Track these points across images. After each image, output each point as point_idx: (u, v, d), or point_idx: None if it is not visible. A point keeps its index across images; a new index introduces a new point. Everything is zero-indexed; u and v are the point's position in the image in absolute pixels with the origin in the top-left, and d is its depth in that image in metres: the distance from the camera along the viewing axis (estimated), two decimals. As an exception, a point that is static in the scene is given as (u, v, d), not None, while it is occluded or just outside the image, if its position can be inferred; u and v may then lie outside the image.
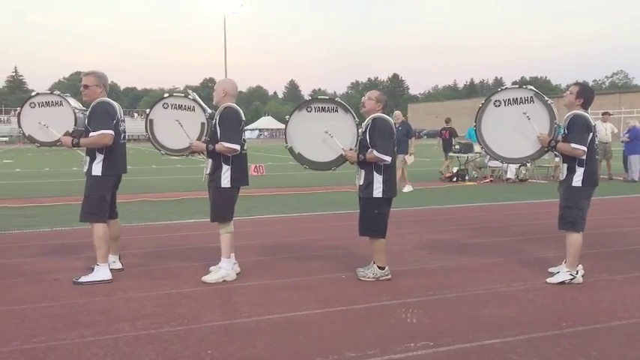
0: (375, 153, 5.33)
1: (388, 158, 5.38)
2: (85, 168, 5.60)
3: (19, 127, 5.97)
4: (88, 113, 5.59)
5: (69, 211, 9.54)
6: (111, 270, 5.64)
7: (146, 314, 4.58)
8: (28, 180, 17.39)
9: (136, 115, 77.78)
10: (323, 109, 5.64)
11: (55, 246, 7.23)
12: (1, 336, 4.10)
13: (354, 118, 5.59)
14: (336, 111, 5.63)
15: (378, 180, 5.46)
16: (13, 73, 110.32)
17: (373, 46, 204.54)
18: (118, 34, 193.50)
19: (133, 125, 61.29)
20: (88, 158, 5.59)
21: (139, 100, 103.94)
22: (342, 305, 4.84)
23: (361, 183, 5.55)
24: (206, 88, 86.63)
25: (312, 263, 6.31)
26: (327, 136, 5.53)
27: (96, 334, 4.14)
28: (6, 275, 5.81)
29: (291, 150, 5.72)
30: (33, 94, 6.03)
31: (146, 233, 8.18)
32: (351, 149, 5.52)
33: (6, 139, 56.33)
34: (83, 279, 5.49)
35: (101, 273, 5.53)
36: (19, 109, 5.98)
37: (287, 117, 5.73)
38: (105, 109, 5.51)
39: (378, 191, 5.46)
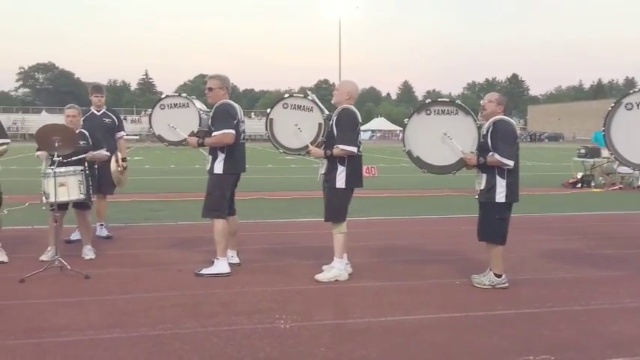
0: (497, 157, 5.14)
1: (511, 162, 5.16)
2: (208, 166, 5.90)
3: (150, 127, 6.38)
4: (211, 114, 5.89)
5: (191, 206, 10.06)
6: (229, 264, 5.90)
7: (262, 309, 4.74)
8: (156, 176, 18.59)
9: (253, 115, 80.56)
10: (443, 112, 5.50)
11: (179, 239, 7.67)
12: (131, 321, 4.42)
13: (475, 121, 5.41)
14: (457, 113, 5.46)
15: (501, 184, 5.25)
16: (144, 76, 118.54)
17: (491, 44, 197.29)
18: (237, 37, 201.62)
19: (251, 125, 63.56)
20: (210, 157, 5.88)
21: (257, 101, 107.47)
22: (455, 312, 4.73)
23: (482, 187, 5.36)
24: (320, 89, 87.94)
25: (424, 267, 6.21)
26: (447, 139, 5.40)
27: (216, 324, 4.34)
28: (135, 264, 6.25)
29: (409, 153, 5.64)
30: (163, 96, 6.43)
31: (261, 230, 8.46)
32: (471, 152, 5.35)
33: (137, 137, 60.51)
34: (204, 271, 5.79)
35: (220, 266, 5.80)
36: (150, 110, 6.40)
37: (405, 120, 5.66)
38: (227, 110, 5.78)
39: (500, 195, 5.26)
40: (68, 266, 5.65)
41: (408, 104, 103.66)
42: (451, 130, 5.42)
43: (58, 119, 7.57)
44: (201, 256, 6.42)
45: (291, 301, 4.97)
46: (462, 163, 5.44)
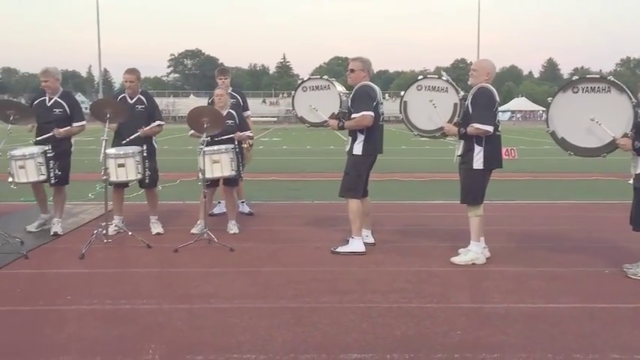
0: None
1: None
2: (347, 147, 6.01)
3: (293, 108, 6.61)
4: (351, 96, 5.98)
5: (327, 186, 10.30)
6: (364, 243, 5.98)
7: (397, 288, 4.76)
8: (293, 156, 19.24)
9: (387, 96, 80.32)
10: (592, 90, 5.09)
11: (315, 217, 7.90)
12: (273, 293, 4.66)
13: (631, 99, 4.95)
14: (609, 91, 5.03)
15: None
16: (282, 60, 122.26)
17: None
18: (371, 19, 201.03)
19: (384, 106, 63.36)
20: (350, 138, 5.99)
21: (391, 82, 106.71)
22: (604, 302, 4.44)
23: (638, 171, 4.93)
24: (457, 69, 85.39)
25: (569, 254, 5.87)
26: (596, 125, 5.00)
27: (352, 301, 4.45)
28: (275, 240, 6.55)
29: (553, 134, 5.32)
30: (305, 78, 6.63)
31: (395, 211, 8.46)
32: (625, 134, 4.91)
33: (275, 119, 62.86)
34: (340, 249, 5.92)
35: (356, 245, 5.90)
36: (293, 92, 6.62)
37: (549, 99, 5.34)
38: (366, 92, 5.85)
39: None
40: (215, 239, 6.06)
41: (552, 83, 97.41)
42: (602, 110, 5.01)
43: (205, 102, 8.08)
44: (336, 235, 6.57)
45: (426, 282, 4.95)
46: (613, 146, 5.03)
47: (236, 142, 6.57)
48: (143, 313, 4.19)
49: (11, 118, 6.03)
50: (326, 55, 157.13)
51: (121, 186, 6.68)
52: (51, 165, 6.30)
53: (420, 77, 5.95)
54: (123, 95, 6.79)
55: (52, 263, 5.60)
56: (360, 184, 5.98)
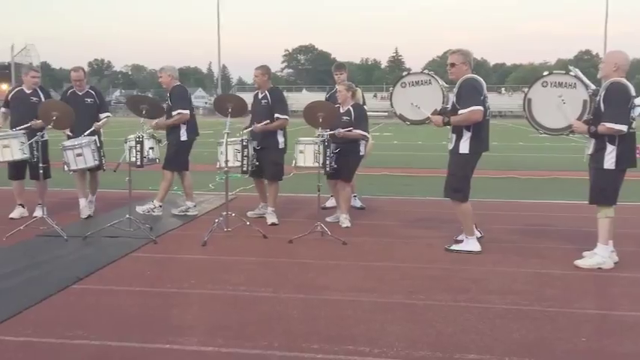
0: None
1: None
2: (451, 146, 5.76)
3: (391, 106, 6.36)
4: (456, 90, 5.72)
5: (438, 182, 9.94)
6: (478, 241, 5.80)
7: (516, 290, 4.59)
8: (404, 151, 19.05)
9: (503, 90, 77.03)
10: None
11: (427, 213, 7.79)
12: (387, 288, 4.65)
13: None
14: None
15: None
16: (394, 54, 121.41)
17: None
18: (489, 10, 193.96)
19: (500, 101, 61.07)
20: (454, 136, 5.71)
21: (507, 75, 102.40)
22: None
23: None
24: (581, 62, 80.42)
25: None
26: None
27: (467, 300, 4.35)
28: (387, 235, 6.55)
29: None
30: (404, 74, 6.40)
31: (513, 210, 8.14)
32: None
33: (386, 113, 62.56)
34: (454, 247, 5.80)
35: (471, 245, 5.74)
36: (391, 88, 6.43)
37: None
38: (473, 86, 5.58)
39: None
40: (328, 232, 6.15)
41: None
42: None
43: (317, 97, 8.18)
44: (449, 232, 6.42)
45: (547, 285, 4.73)
46: None
47: (326, 135, 6.38)
48: (261, 301, 4.34)
49: (143, 112, 6.48)
50: (439, 48, 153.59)
51: (256, 175, 7.21)
52: (138, 148, 6.39)
53: (545, 73, 5.64)
54: (257, 90, 7.23)
55: (177, 249, 5.95)
56: (467, 186, 5.74)
